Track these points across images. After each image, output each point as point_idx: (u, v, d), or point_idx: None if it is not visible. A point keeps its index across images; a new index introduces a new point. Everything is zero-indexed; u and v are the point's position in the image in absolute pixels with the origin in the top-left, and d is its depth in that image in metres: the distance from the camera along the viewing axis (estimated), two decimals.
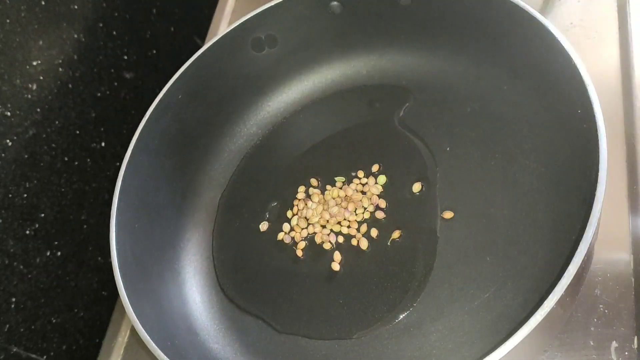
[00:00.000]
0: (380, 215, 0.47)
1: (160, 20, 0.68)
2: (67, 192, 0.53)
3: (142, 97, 0.64)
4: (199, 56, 0.51)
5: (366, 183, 0.49)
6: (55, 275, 0.51)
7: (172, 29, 0.70)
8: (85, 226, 0.55)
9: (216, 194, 0.53)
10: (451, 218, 0.45)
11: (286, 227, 0.49)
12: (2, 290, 0.46)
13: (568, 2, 0.54)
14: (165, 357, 0.37)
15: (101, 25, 0.58)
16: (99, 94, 0.58)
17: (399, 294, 0.43)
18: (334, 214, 0.48)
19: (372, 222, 0.47)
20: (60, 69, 0.53)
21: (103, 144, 0.58)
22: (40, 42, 0.50)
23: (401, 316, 0.42)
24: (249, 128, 0.56)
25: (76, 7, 0.55)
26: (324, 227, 0.48)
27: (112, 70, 0.60)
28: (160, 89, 0.49)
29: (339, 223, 0.48)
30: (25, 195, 0.48)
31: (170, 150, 0.50)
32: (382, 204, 0.48)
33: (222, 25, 0.67)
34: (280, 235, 0.49)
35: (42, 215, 0.50)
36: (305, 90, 0.56)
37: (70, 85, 0.54)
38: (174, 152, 0.51)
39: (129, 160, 0.46)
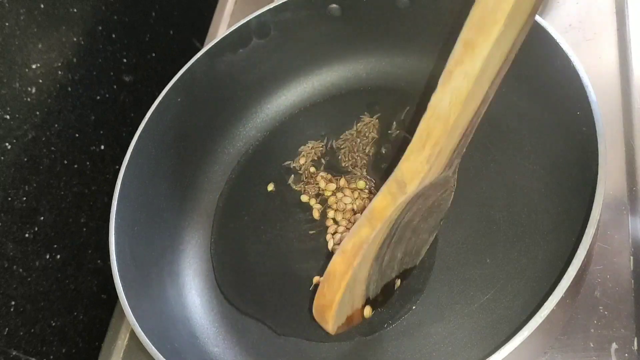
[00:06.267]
0: None
1: (159, 23, 0.68)
2: (66, 195, 0.53)
3: (141, 100, 0.64)
4: (198, 59, 0.51)
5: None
6: (54, 278, 0.51)
7: (171, 32, 0.71)
8: (84, 229, 0.55)
9: (215, 197, 0.53)
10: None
11: None
12: (1, 293, 0.45)
13: (566, 3, 0.54)
14: None
15: (100, 28, 0.58)
16: (98, 97, 0.58)
17: (398, 296, 0.43)
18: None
19: None
20: (60, 72, 0.53)
21: (102, 147, 0.58)
22: (40, 45, 0.50)
23: (401, 318, 0.42)
24: (247, 131, 0.56)
25: (75, 10, 0.55)
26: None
27: (112, 73, 0.60)
28: (159, 92, 0.49)
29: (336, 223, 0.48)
30: (24, 198, 0.48)
31: (169, 153, 0.50)
32: None
33: (221, 28, 0.67)
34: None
35: (42, 218, 0.50)
36: (304, 94, 0.56)
37: (69, 89, 0.54)
38: (173, 155, 0.51)
39: (128, 163, 0.46)
